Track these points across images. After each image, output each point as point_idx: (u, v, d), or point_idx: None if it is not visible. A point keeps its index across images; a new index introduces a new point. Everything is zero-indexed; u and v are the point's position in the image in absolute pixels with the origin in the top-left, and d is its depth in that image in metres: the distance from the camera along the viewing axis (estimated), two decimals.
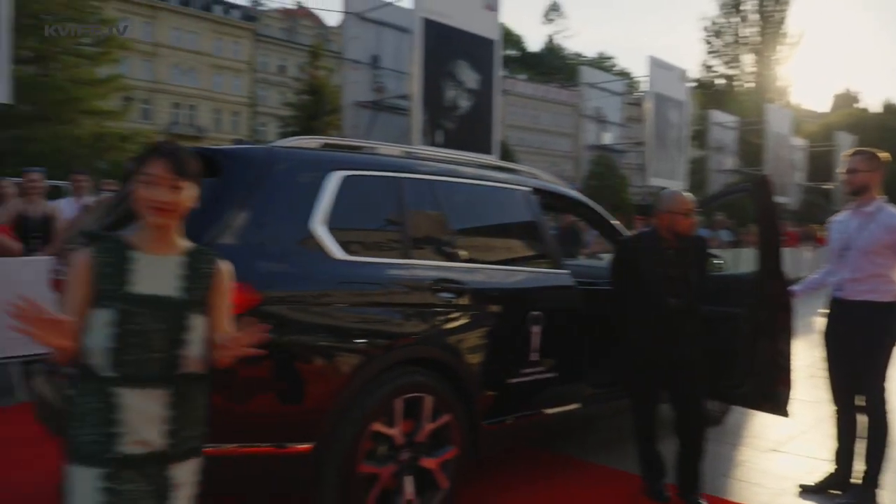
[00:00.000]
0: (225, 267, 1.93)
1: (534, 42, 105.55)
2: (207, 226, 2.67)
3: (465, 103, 14.58)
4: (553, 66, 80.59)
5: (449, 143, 14.17)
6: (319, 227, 2.94)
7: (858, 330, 3.57)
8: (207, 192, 2.69)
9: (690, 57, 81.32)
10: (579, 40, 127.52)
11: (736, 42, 46.84)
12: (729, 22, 46.81)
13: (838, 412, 3.79)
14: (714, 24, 46.99)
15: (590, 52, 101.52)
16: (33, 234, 5.72)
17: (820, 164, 32.56)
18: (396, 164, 3.50)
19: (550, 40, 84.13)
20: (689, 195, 3.66)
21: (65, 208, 6.11)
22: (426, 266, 3.31)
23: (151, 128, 43.36)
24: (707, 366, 3.65)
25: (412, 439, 3.13)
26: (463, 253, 3.50)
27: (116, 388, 1.70)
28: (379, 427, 2.99)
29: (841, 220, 3.81)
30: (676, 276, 3.58)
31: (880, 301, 3.53)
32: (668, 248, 3.61)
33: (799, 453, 4.53)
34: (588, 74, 21.46)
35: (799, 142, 30.25)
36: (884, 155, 3.68)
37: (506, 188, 3.94)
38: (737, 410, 5.11)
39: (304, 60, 29.71)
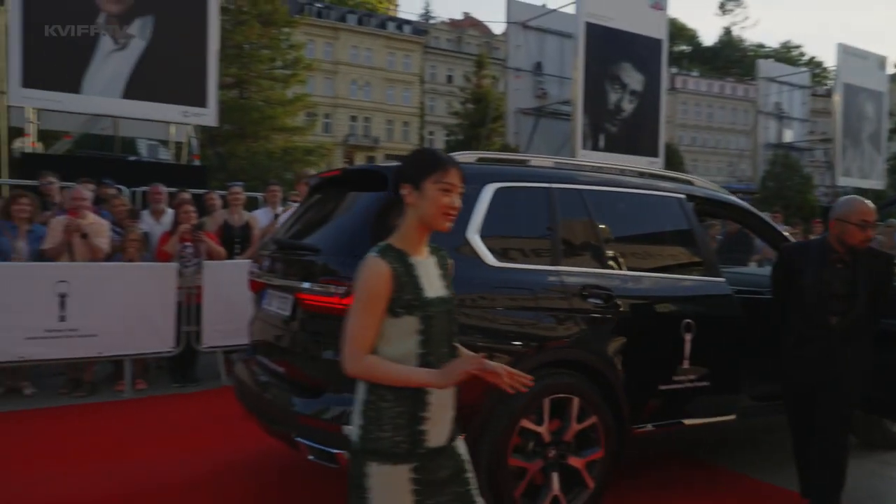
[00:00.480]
0: (451, 261, 2.02)
1: (709, 35, 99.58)
2: (377, 234, 3.06)
3: (628, 106, 14.36)
4: (730, 59, 75.65)
5: (611, 147, 14.04)
6: (474, 236, 3.18)
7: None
8: (378, 205, 3.17)
9: (894, 39, 72.20)
10: (760, 30, 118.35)
11: None
12: None
13: None
14: None
15: (772, 41, 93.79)
16: (236, 241, 6.57)
17: None
18: (547, 175, 3.64)
19: (727, 32, 79.06)
20: (869, 203, 3.32)
21: (261, 217, 6.94)
22: (575, 272, 3.42)
23: (331, 140, 47.01)
24: (859, 393, 3.37)
25: (560, 438, 3.25)
26: (612, 260, 3.57)
27: (427, 389, 1.81)
28: (527, 424, 3.14)
29: None
30: (842, 293, 3.29)
31: None
32: (837, 260, 3.33)
33: None
34: (765, 68, 20.10)
35: None
36: None
37: (658, 195, 3.94)
38: None
39: (471, 70, 30.58)
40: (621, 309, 3.49)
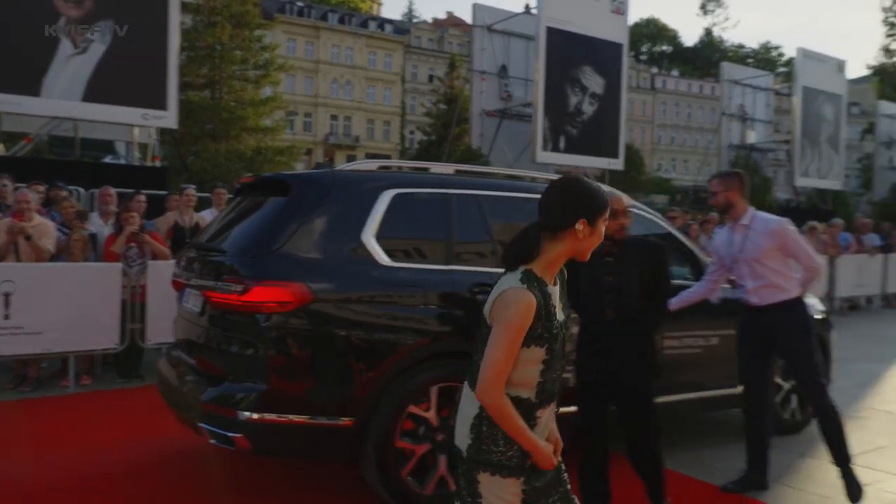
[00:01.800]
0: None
1: (690, 35, 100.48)
2: (275, 237, 3.34)
3: (589, 108, 14.70)
4: (710, 60, 76.44)
5: (572, 149, 14.38)
6: (370, 239, 3.46)
7: (776, 330, 3.79)
8: (278, 210, 3.52)
9: (871, 42, 73.26)
10: (740, 31, 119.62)
11: None
12: None
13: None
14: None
15: (752, 42, 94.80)
16: (186, 240, 6.81)
17: None
18: (444, 181, 3.93)
19: (707, 33, 79.83)
20: (619, 194, 3.40)
21: (208, 218, 7.19)
22: (468, 272, 3.72)
23: (312, 139, 47.13)
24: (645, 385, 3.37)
25: (448, 422, 3.45)
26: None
27: (538, 411, 1.85)
28: (415, 410, 3.41)
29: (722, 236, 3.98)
30: (613, 286, 3.30)
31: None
32: (606, 253, 3.28)
33: (874, 467, 4.40)
34: (730, 71, 20.49)
35: None
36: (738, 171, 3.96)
37: None
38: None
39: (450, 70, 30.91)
40: None
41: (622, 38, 15.20)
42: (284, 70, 21.55)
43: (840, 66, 19.34)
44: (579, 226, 1.81)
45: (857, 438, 5.02)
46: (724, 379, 4.53)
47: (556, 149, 14.14)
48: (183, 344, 3.92)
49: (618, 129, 15.24)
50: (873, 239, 12.74)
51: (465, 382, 1.89)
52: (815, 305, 5.06)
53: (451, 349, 3.63)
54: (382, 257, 3.52)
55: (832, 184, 19.70)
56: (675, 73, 66.82)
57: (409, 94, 52.08)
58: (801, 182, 18.80)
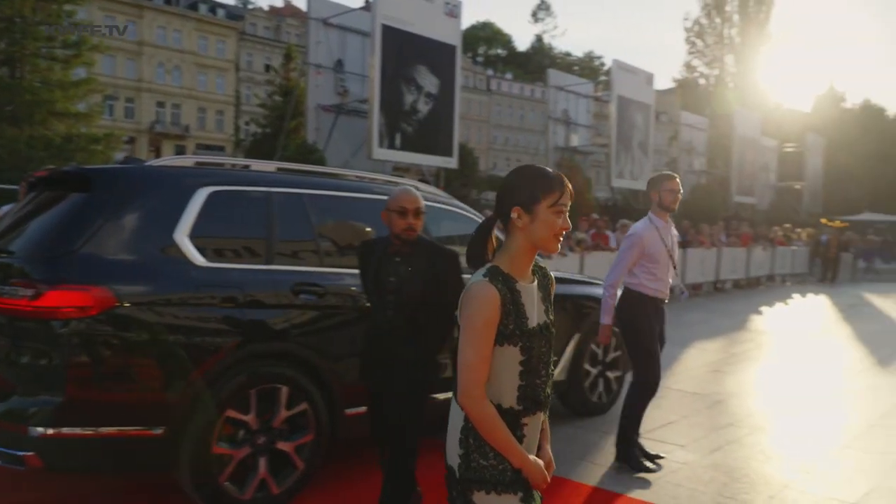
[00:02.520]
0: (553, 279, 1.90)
1: (523, 41, 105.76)
2: (73, 236, 3.09)
3: (424, 107, 14.97)
4: (541, 65, 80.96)
5: (408, 146, 14.57)
6: (182, 238, 3.31)
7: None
8: (78, 207, 3.26)
9: (678, 57, 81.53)
10: (569, 39, 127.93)
11: (718, 43, 47.29)
12: (712, 23, 47.23)
13: None
14: (697, 24, 47.44)
15: (579, 50, 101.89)
16: None
17: (792, 164, 33.07)
18: (266, 179, 3.81)
19: (538, 39, 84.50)
20: (413, 192, 3.21)
21: (7, 211, 6.44)
22: (289, 271, 3.67)
23: (135, 126, 43.67)
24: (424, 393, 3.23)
25: (269, 425, 3.45)
26: (327, 258, 3.84)
27: (523, 419, 1.74)
28: (233, 413, 3.32)
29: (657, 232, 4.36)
30: (395, 288, 3.13)
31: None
32: (395, 253, 3.16)
33: (663, 440, 4.93)
34: (555, 77, 21.87)
35: (771, 142, 30.74)
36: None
37: (370, 198, 4.11)
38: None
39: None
40: (331, 303, 3.78)
41: (455, 41, 15.65)
42: (100, 50, 19.68)
43: (649, 78, 21.36)
44: (514, 214, 1.70)
45: (651, 416, 5.61)
46: None
47: (392, 146, 14.27)
48: None
49: (452, 128, 15.68)
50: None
51: (452, 395, 1.77)
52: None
53: (271, 351, 3.58)
54: (196, 257, 3.39)
55: (642, 185, 21.75)
56: (508, 76, 69.94)
57: (244, 83, 49.97)
58: (616, 183, 20.56)
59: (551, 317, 1.80)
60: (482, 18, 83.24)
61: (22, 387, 3.01)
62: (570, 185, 1.76)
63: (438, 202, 4.63)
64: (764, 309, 13.18)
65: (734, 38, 46.87)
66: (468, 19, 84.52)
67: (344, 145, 15.20)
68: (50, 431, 2.89)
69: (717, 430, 5.16)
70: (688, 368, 7.34)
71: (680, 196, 4.33)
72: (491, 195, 25.95)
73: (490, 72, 69.72)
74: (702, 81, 48.01)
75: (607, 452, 4.51)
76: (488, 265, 1.72)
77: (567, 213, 1.74)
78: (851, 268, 20.97)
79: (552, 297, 1.84)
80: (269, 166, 4.16)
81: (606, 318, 4.29)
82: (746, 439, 4.94)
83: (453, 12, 15.53)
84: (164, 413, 3.12)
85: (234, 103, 48.95)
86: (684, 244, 14.36)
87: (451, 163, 15.86)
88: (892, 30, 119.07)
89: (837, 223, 32.77)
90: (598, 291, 5.01)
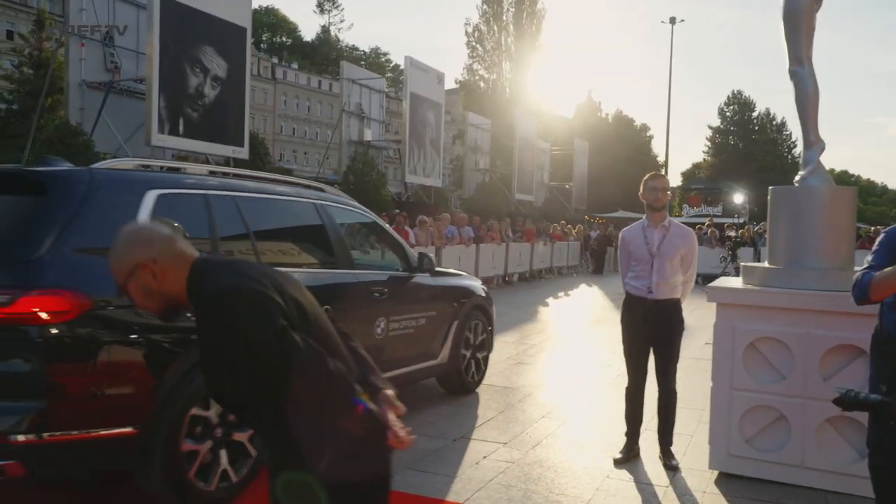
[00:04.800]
0: None
1: (309, 31, 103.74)
2: (37, 241, 2.98)
3: (211, 92, 13.84)
4: (328, 57, 79.99)
5: (192, 133, 13.36)
6: None
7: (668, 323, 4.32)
8: (34, 211, 3.10)
9: (459, 59, 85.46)
10: (353, 33, 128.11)
11: (496, 49, 50.24)
12: (491, 30, 50.01)
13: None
14: (477, 31, 49.95)
15: (364, 45, 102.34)
16: None
17: (562, 165, 36.30)
18: (203, 183, 3.90)
19: (325, 30, 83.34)
20: None
21: None
22: None
23: None
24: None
25: (225, 418, 3.50)
26: (263, 256, 3.97)
27: None
28: (196, 411, 3.37)
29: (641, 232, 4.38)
30: None
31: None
32: None
33: (485, 438, 4.93)
34: (349, 70, 21.60)
35: (544, 144, 33.41)
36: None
37: (297, 200, 4.51)
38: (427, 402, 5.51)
39: (32, 29, 26.03)
40: None
41: (245, 22, 14.68)
42: None
43: (440, 77, 21.96)
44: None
45: (469, 414, 5.60)
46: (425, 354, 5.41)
47: (174, 132, 12.95)
48: None
49: (242, 116, 14.69)
50: (468, 231, 14.75)
51: None
52: (478, 286, 6.38)
53: None
54: None
55: (434, 181, 22.42)
56: (294, 66, 68.10)
57: None
58: (409, 179, 20.86)
59: None
60: (265, 4, 79.64)
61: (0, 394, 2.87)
62: None
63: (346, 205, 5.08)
64: (549, 300, 14.18)
65: (510, 45, 50.12)
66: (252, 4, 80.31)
67: (116, 128, 13.50)
68: (32, 437, 2.81)
69: (533, 423, 5.29)
70: (494, 363, 7.53)
71: (661, 194, 4.30)
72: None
73: (275, 60, 67.32)
74: (481, 84, 50.71)
75: (436, 459, 4.38)
76: None
77: None
78: (614, 260, 23.56)
79: None
80: (201, 169, 4.54)
81: None
82: (560, 431, 5.12)
83: None
84: (139, 413, 3.12)
85: None
86: (478, 239, 14.95)
87: (242, 153, 14.86)
88: (640, 48, 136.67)
89: (598, 220, 36.64)
90: (471, 284, 6.20)
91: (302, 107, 65.31)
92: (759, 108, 64.62)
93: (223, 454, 3.51)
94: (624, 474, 4.24)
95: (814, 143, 4.31)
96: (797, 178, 4.39)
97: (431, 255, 7.02)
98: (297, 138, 64.05)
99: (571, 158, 35.33)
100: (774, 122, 63.98)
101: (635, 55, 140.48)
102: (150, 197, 3.39)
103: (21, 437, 2.79)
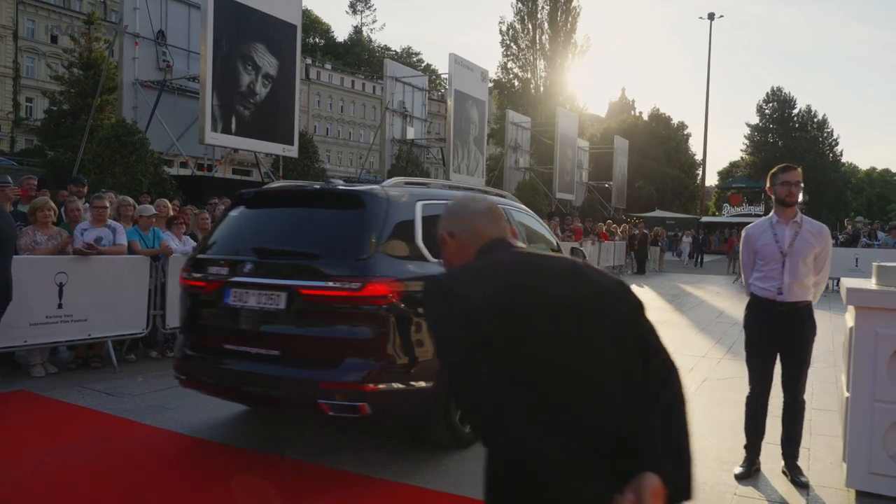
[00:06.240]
0: None
1: (341, 31, 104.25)
2: (366, 243, 3.99)
3: (262, 89, 13.75)
4: (360, 57, 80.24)
5: (244, 132, 13.29)
6: (421, 242, 4.26)
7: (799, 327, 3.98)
8: (360, 221, 4.09)
9: (492, 58, 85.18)
10: (386, 33, 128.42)
11: (530, 47, 49.78)
12: (525, 28, 49.57)
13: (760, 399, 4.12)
14: (511, 29, 49.56)
15: (396, 45, 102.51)
16: None
17: (600, 164, 35.79)
18: (439, 194, 4.75)
19: (357, 31, 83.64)
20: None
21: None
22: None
23: None
24: None
25: None
26: None
27: None
28: None
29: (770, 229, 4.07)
30: None
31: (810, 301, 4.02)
32: None
33: None
34: (392, 68, 21.44)
35: (584, 143, 32.95)
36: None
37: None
38: None
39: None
40: None
41: (296, 19, 14.57)
42: None
43: (484, 75, 21.71)
44: None
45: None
46: None
47: (227, 130, 12.89)
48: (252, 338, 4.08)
49: (293, 113, 14.59)
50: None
51: None
52: None
53: None
54: (429, 256, 3.68)
55: (477, 181, 22.12)
56: (328, 66, 68.41)
57: (26, 53, 43.58)
58: (453, 177, 20.61)
59: None
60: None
61: (351, 354, 3.80)
62: None
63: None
64: None
65: (545, 44, 49.60)
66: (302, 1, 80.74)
67: (168, 126, 13.50)
68: (381, 386, 3.77)
69: None
70: None
71: (795, 188, 3.97)
72: None
73: (309, 60, 67.73)
74: (516, 83, 50.30)
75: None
76: None
77: None
78: (659, 259, 23.09)
79: None
80: (440, 182, 5.66)
81: None
82: None
83: None
84: (433, 371, 3.93)
85: (13, 76, 42.48)
86: None
87: (292, 151, 14.77)
88: (675, 45, 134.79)
89: (635, 220, 36.09)
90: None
91: (335, 107, 65.58)
92: (800, 106, 63.19)
93: None
94: (752, 492, 3.94)
95: None
96: None
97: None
98: (331, 138, 64.33)
99: (610, 157, 34.79)
100: (815, 120, 62.54)
101: (670, 52, 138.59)
102: (419, 206, 4.38)
103: (370, 386, 3.74)
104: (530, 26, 49.67)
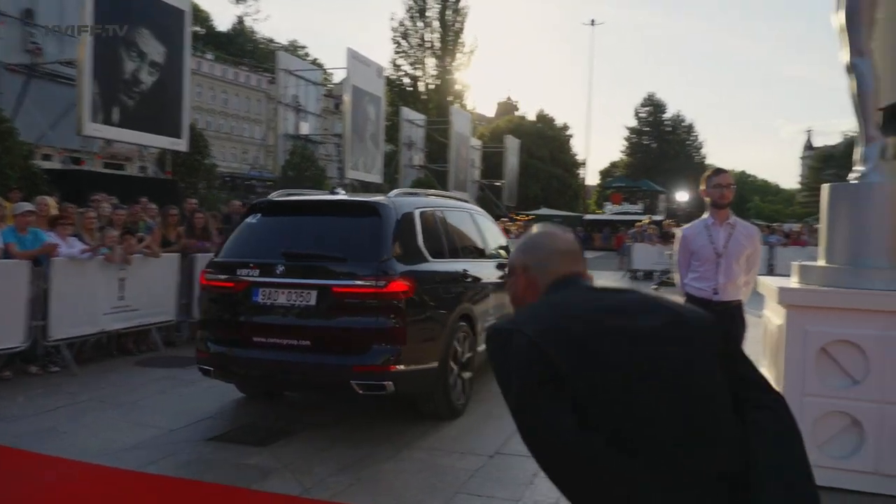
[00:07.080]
0: None
1: (223, 21, 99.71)
2: (385, 246, 4.72)
3: (148, 78, 12.77)
4: (244, 48, 77.09)
5: (128, 123, 12.29)
6: (422, 244, 5.05)
7: (732, 325, 4.09)
8: (378, 227, 4.80)
9: (382, 55, 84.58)
10: (270, 25, 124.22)
11: (420, 46, 49.77)
12: (415, 26, 49.49)
13: None
14: (402, 26, 49.32)
15: (281, 38, 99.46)
16: None
17: (491, 162, 36.41)
18: (432, 203, 5.78)
19: (240, 21, 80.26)
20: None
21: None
22: (461, 263, 5.62)
23: None
24: None
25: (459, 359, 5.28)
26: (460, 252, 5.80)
27: None
28: (456, 346, 5.17)
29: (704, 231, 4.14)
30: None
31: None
32: None
33: (521, 454, 4.58)
34: (286, 60, 20.69)
35: (475, 142, 33.37)
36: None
37: (465, 210, 6.52)
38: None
39: None
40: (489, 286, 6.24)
41: (185, 4, 13.65)
42: None
43: (380, 71, 21.40)
44: None
45: (494, 426, 5.20)
46: None
47: (108, 121, 11.83)
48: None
49: (181, 105, 13.65)
50: None
51: None
52: None
53: (464, 312, 5.47)
54: (428, 256, 5.22)
55: (374, 177, 21.82)
56: (209, 56, 65.24)
57: None
58: (351, 175, 20.19)
59: None
60: None
61: (377, 342, 4.53)
62: None
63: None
64: None
65: (434, 42, 49.76)
66: None
67: (39, 115, 12.22)
68: (402, 367, 4.54)
69: None
70: None
71: (727, 191, 4.04)
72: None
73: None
74: (406, 80, 50.16)
75: (482, 480, 3.99)
76: None
77: None
78: None
79: None
80: (429, 192, 6.44)
81: None
82: None
83: None
84: (437, 353, 4.89)
85: None
86: None
87: (181, 145, 13.84)
88: (558, 50, 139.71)
89: (524, 217, 37.02)
90: None
91: (218, 99, 62.67)
92: (671, 110, 67.39)
93: (458, 382, 5.24)
94: None
95: (873, 138, 4.20)
96: (853, 174, 4.27)
97: None
98: (213, 131, 61.39)
99: (500, 156, 35.48)
100: (684, 124, 66.86)
101: (554, 56, 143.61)
102: (417, 213, 5.16)
103: (395, 367, 4.48)
104: (421, 24, 49.67)
